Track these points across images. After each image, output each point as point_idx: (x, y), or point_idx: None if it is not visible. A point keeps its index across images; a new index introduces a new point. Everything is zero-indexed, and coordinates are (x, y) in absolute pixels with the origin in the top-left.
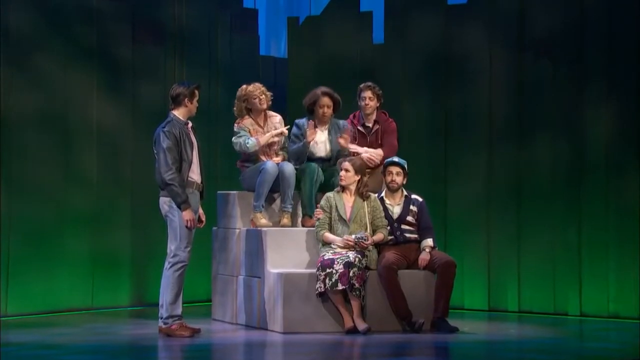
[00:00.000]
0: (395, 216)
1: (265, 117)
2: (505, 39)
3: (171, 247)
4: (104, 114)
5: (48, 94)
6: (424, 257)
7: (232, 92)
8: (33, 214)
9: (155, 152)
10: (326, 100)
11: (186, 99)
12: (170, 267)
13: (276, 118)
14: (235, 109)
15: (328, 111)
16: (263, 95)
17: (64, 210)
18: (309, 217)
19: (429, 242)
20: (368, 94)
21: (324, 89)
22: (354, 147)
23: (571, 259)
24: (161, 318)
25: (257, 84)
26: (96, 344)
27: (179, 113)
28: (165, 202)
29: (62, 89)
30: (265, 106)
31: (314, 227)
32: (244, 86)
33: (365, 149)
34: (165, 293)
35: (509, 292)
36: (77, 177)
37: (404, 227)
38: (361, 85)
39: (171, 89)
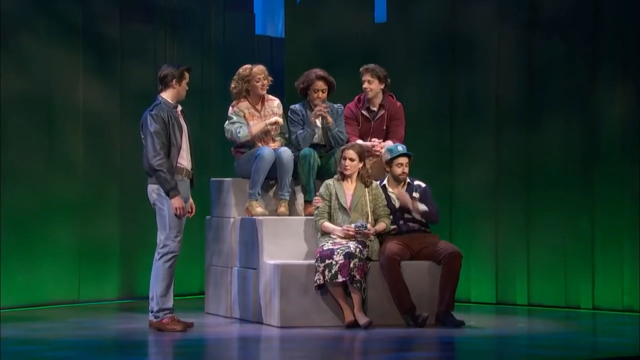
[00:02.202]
0: (398, 205)
1: (263, 101)
2: (515, 17)
3: (161, 237)
4: (90, 97)
5: (31, 75)
6: (406, 197)
7: (226, 74)
8: (16, 201)
9: (142, 137)
10: (320, 84)
11: (174, 81)
12: (160, 257)
13: (274, 102)
14: (233, 87)
15: (323, 95)
16: (266, 80)
17: (48, 198)
18: (310, 203)
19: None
20: (367, 77)
21: (318, 71)
22: (363, 143)
23: (583, 249)
24: (151, 312)
25: (262, 67)
26: (82, 339)
27: (167, 96)
28: (153, 190)
29: (46, 70)
30: (265, 91)
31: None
32: (249, 66)
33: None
34: (156, 285)
35: (517, 284)
36: (62, 163)
37: (407, 216)
38: (361, 68)
39: (159, 69)
